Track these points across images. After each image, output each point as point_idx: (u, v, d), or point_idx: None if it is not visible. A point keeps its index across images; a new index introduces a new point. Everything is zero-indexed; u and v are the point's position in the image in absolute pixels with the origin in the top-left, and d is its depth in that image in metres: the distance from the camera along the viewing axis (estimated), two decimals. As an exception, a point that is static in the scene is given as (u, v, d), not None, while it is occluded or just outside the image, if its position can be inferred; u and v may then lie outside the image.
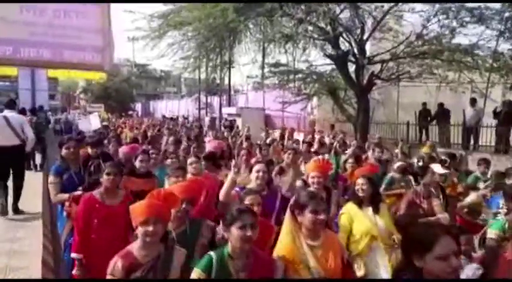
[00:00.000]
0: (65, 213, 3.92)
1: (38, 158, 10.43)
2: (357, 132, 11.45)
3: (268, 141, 8.44)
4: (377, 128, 13.86)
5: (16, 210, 5.96)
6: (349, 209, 3.50)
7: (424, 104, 13.03)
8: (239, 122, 18.10)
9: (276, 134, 11.55)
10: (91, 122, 12.76)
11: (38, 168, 10.04)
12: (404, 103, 14.29)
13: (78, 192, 3.81)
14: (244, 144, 7.51)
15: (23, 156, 6.60)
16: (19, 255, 4.47)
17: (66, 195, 3.91)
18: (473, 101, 11.27)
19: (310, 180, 3.77)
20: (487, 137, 10.92)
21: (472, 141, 11.30)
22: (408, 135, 12.89)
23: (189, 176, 4.20)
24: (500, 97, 11.38)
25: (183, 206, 2.79)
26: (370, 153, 6.44)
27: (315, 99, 14.69)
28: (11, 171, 6.11)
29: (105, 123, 15.50)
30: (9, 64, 14.53)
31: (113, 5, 13.38)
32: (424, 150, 7.43)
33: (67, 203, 3.83)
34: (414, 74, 11.02)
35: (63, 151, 4.18)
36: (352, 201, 3.56)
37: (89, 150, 4.48)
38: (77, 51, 14.03)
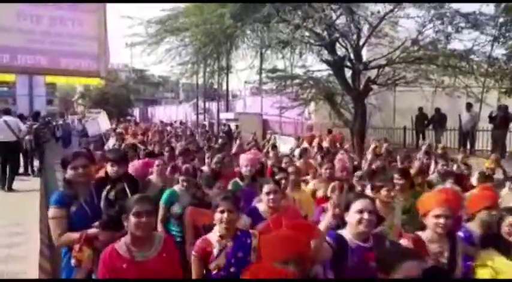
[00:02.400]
0: (72, 261, 2.62)
1: (36, 163, 10.44)
2: (353, 137, 11.49)
3: (296, 152, 6.75)
4: (374, 132, 13.92)
5: (10, 189, 8.18)
6: (493, 261, 2.39)
7: (421, 108, 13.11)
8: (233, 127, 18.15)
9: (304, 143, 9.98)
10: (100, 124, 12.10)
11: (36, 173, 10.06)
12: (401, 108, 14.38)
13: (93, 230, 2.66)
14: (271, 153, 6.73)
15: (18, 149, 8.97)
16: (16, 260, 4.50)
17: (76, 235, 2.65)
18: (469, 106, 11.36)
19: (431, 221, 2.49)
20: (483, 141, 11.00)
21: (468, 146, 11.37)
22: (405, 140, 12.95)
23: (261, 207, 3.10)
24: (495, 102, 11.46)
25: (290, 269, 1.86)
26: (432, 165, 5.55)
27: (312, 104, 14.73)
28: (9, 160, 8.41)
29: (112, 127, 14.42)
30: (6, 71, 14.58)
31: (110, 11, 13.48)
32: (487, 164, 6.16)
33: (76, 247, 2.59)
34: (410, 79, 11.06)
35: (69, 172, 2.86)
36: (491, 248, 2.48)
37: (108, 168, 3.16)
38: (73, 59, 14.10)
